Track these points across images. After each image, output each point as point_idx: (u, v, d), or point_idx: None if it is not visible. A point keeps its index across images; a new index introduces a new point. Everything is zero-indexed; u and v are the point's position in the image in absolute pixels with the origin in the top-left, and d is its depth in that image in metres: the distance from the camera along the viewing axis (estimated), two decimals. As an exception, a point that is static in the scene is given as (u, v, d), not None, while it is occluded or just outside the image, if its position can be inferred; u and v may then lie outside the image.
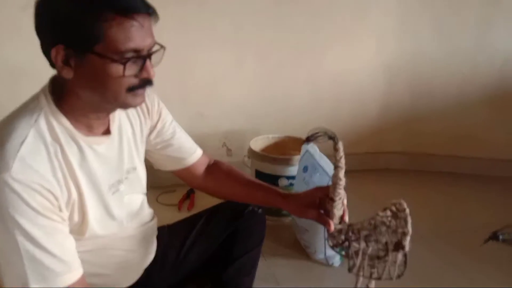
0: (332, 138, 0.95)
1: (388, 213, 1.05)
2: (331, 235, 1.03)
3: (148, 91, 1.01)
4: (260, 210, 1.34)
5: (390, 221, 1.04)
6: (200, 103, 2.17)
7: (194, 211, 1.94)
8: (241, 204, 1.30)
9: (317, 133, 0.95)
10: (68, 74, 0.76)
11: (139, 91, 0.80)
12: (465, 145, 2.44)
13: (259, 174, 1.84)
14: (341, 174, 0.97)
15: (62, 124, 0.80)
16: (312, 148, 1.66)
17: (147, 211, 1.12)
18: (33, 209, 0.72)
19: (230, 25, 2.05)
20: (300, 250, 1.71)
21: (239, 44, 2.10)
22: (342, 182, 0.97)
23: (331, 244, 1.06)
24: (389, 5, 2.21)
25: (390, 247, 1.01)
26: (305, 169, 1.65)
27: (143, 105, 1.01)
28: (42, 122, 0.77)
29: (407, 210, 1.02)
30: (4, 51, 1.80)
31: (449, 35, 2.27)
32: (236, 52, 2.11)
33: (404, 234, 1.00)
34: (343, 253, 1.05)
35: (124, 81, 0.77)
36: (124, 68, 0.75)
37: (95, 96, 0.79)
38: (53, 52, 0.75)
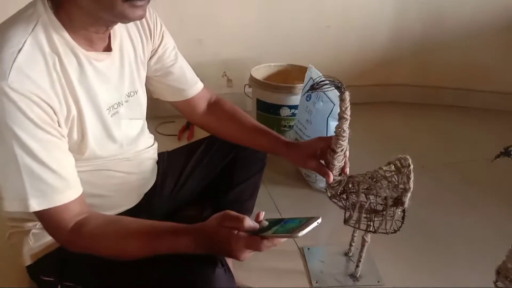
0: (339, 87, 0.89)
1: (392, 167, 1.04)
2: (330, 186, 1.02)
3: (151, 10, 0.97)
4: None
5: (392, 176, 1.03)
6: (198, 30, 2.06)
7: (194, 140, 1.93)
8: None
9: (323, 81, 0.89)
10: None
11: (138, 2, 0.72)
12: (476, 78, 2.34)
13: (260, 103, 1.78)
14: (345, 125, 0.94)
15: (60, 35, 0.75)
16: (316, 74, 1.57)
17: (147, 136, 1.09)
18: (32, 121, 0.69)
19: None
20: (301, 179, 1.69)
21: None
22: (346, 134, 0.94)
23: (329, 194, 1.05)
24: None
25: (389, 202, 1.00)
26: (308, 97, 1.58)
27: (145, 24, 0.96)
28: (40, 31, 0.73)
29: (411, 167, 1.00)
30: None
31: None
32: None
33: (405, 190, 1.00)
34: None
35: None
36: None
37: (93, 3, 0.72)
38: None
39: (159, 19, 0.99)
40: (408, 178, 0.99)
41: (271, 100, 1.73)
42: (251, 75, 1.81)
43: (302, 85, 1.66)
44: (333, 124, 1.38)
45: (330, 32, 2.22)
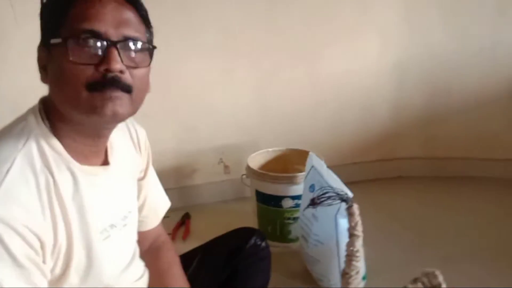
0: (345, 200, 0.76)
1: (419, 285, 0.88)
2: None
3: (135, 124, 0.92)
4: (263, 244, 1.16)
5: None
6: (190, 116, 1.98)
7: (190, 240, 1.79)
8: (240, 237, 1.13)
9: (325, 193, 0.76)
10: (44, 79, 0.69)
11: (105, 90, 0.64)
12: (485, 147, 2.24)
13: (259, 194, 1.64)
14: (358, 243, 0.79)
15: (54, 149, 0.68)
16: (318, 163, 1.45)
17: (138, 264, 0.93)
18: (13, 257, 0.60)
19: (218, 29, 1.86)
20: (311, 280, 1.50)
21: (229, 50, 1.91)
22: (360, 253, 0.79)
23: None
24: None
25: None
26: (311, 188, 1.45)
27: (135, 136, 0.89)
28: (33, 146, 0.66)
29: (444, 285, 0.84)
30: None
31: (461, 26, 2.08)
32: (225, 59, 1.92)
33: None
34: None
35: (78, 70, 0.63)
36: (67, 49, 0.63)
37: (62, 101, 0.67)
38: (38, 57, 0.70)
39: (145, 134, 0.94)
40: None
41: (271, 191, 1.60)
42: (247, 165, 1.69)
43: (303, 174, 1.53)
44: (342, 222, 1.25)
45: (327, 109, 2.15)
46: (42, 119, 0.69)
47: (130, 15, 0.68)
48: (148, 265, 0.96)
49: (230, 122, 2.03)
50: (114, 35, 0.65)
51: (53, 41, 0.65)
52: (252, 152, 1.82)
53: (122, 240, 0.83)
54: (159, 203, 1.01)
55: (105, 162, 0.78)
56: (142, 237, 0.97)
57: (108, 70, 0.64)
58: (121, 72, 0.65)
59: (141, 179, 0.94)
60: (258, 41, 1.92)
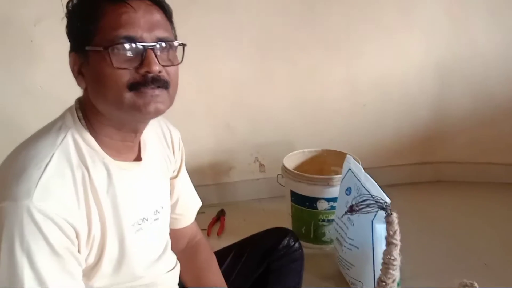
0: (384, 208, 0.75)
1: None
2: None
3: (169, 125, 0.95)
4: (296, 245, 1.16)
5: None
6: (228, 115, 2.00)
7: (224, 236, 1.82)
8: (274, 237, 1.15)
9: (364, 200, 0.76)
10: (81, 83, 0.72)
11: (146, 90, 0.68)
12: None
13: (295, 195, 1.64)
14: (395, 251, 0.78)
15: (90, 146, 0.73)
16: (355, 166, 1.44)
17: (170, 256, 0.96)
18: (51, 246, 0.64)
19: (258, 30, 1.87)
20: (344, 283, 1.49)
21: (268, 50, 1.90)
22: (397, 261, 0.78)
23: None
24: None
25: None
26: (348, 191, 1.44)
27: (169, 137, 0.93)
28: (69, 142, 0.71)
29: None
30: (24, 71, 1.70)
31: (507, 27, 2.00)
32: (264, 59, 1.92)
33: None
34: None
35: (119, 74, 0.67)
36: (109, 56, 0.66)
37: (103, 102, 0.71)
38: (70, 62, 0.72)
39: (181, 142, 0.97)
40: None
41: (307, 192, 1.60)
42: (283, 165, 1.70)
43: (339, 176, 1.52)
44: (379, 227, 1.23)
45: (366, 111, 2.11)
46: (79, 118, 0.73)
47: (158, 16, 0.71)
48: (186, 264, 0.99)
49: (267, 122, 2.03)
50: (148, 38, 0.68)
51: (90, 48, 0.68)
52: (288, 151, 1.82)
53: (154, 233, 0.86)
54: (192, 202, 1.04)
55: (138, 158, 0.82)
56: (178, 235, 1.00)
57: (148, 72, 0.68)
58: (159, 72, 0.69)
59: (173, 178, 0.96)
60: (296, 41, 1.91)
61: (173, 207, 0.99)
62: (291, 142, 2.04)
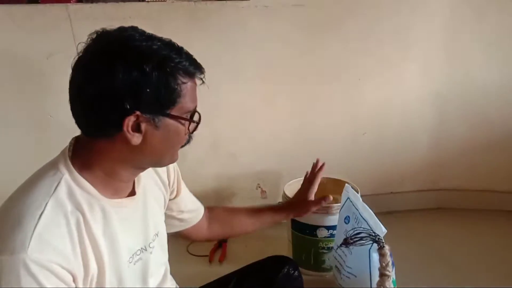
0: (377, 241, 0.80)
1: None
2: None
3: None
4: (296, 273, 1.19)
5: None
6: (230, 143, 2.05)
7: (226, 262, 1.85)
8: (273, 266, 1.19)
9: (358, 233, 0.81)
10: (137, 140, 0.74)
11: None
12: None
13: (295, 223, 1.67)
14: (388, 283, 0.83)
15: (84, 190, 0.75)
16: (354, 195, 1.48)
17: (169, 284, 0.99)
18: None
19: (259, 62, 1.93)
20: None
21: (268, 80, 1.96)
22: None
23: None
24: (433, 29, 2.02)
25: None
26: (346, 219, 1.47)
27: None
28: (62, 190, 0.73)
29: None
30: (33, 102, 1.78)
31: (503, 57, 2.05)
32: (265, 89, 1.98)
33: None
34: None
35: (184, 139, 0.81)
36: (188, 127, 0.79)
37: (154, 158, 0.81)
38: (126, 120, 0.71)
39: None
40: None
41: (306, 220, 1.63)
42: (284, 193, 1.74)
43: (339, 205, 1.56)
44: (375, 256, 1.27)
45: (366, 138, 2.16)
46: (72, 164, 0.75)
47: None
48: (216, 225, 1.22)
49: (269, 149, 2.08)
50: None
51: (175, 114, 0.76)
52: (289, 178, 1.86)
53: (152, 262, 0.89)
54: (196, 203, 1.16)
55: (132, 192, 0.85)
56: (200, 223, 1.16)
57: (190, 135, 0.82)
58: None
59: (174, 197, 1.04)
60: (296, 72, 1.97)
61: (182, 217, 1.09)
62: (292, 169, 2.07)
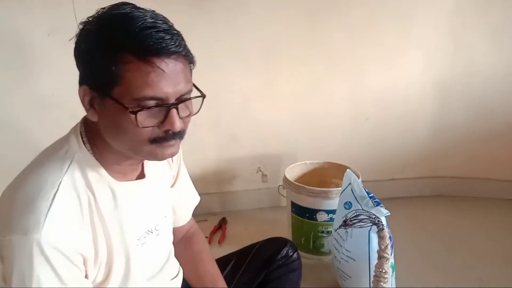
0: (376, 224, 0.80)
1: None
2: None
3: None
4: (295, 255, 1.19)
5: None
6: (232, 126, 2.05)
7: (225, 244, 1.86)
8: (273, 247, 1.18)
9: (357, 215, 0.80)
10: (93, 116, 0.70)
11: (169, 143, 0.71)
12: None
13: (295, 206, 1.68)
14: (386, 265, 0.82)
15: (96, 171, 0.74)
16: (355, 180, 1.47)
17: (172, 266, 1.00)
18: (59, 276, 0.67)
19: (262, 46, 1.91)
20: (342, 293, 1.53)
21: (271, 62, 1.95)
22: (388, 275, 0.82)
23: None
24: (438, 16, 1.99)
25: None
26: (347, 204, 1.47)
27: None
28: (75, 169, 0.71)
29: None
30: (34, 80, 1.76)
31: (506, 46, 2.03)
32: (268, 73, 1.97)
33: None
34: None
35: (142, 132, 0.67)
36: (136, 118, 0.65)
37: (119, 144, 0.72)
38: (80, 92, 0.69)
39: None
40: None
41: (307, 204, 1.63)
42: (285, 176, 1.74)
43: (339, 189, 1.56)
44: (374, 238, 1.27)
45: (368, 124, 2.15)
46: (84, 142, 0.74)
47: (181, 65, 0.67)
48: (181, 252, 1.04)
49: (270, 133, 2.08)
50: (172, 96, 0.67)
51: (114, 99, 0.65)
52: (290, 162, 1.86)
53: (158, 244, 0.89)
54: (190, 200, 1.07)
55: (141, 175, 0.84)
56: (176, 232, 1.03)
57: (170, 129, 0.68)
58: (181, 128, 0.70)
59: (172, 185, 0.99)
60: (300, 56, 1.95)
61: (173, 210, 1.01)
62: (293, 153, 2.09)
